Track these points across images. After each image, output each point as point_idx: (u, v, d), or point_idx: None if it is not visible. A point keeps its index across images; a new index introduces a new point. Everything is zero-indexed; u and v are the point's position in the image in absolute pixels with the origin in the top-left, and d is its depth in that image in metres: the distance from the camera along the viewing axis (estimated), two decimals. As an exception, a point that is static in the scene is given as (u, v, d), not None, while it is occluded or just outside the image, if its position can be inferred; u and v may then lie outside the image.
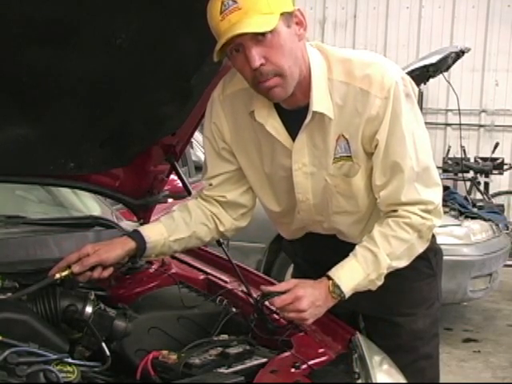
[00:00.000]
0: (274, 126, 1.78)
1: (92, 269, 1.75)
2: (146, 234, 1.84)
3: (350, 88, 1.70)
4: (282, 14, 1.59)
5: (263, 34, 1.58)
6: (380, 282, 1.77)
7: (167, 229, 1.89)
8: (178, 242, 1.91)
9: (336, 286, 1.72)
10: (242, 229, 2.03)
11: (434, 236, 2.02)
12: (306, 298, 1.67)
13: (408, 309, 1.97)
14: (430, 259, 1.98)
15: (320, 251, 1.96)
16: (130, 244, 1.81)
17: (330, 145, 1.76)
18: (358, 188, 1.80)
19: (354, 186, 1.80)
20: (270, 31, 1.57)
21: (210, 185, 1.95)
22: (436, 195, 1.79)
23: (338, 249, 1.84)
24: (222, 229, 1.96)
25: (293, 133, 1.78)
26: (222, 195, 1.94)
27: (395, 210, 1.76)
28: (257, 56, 1.59)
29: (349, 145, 1.75)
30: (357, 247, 1.76)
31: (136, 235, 1.84)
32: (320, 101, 1.70)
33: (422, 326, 1.97)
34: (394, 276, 1.89)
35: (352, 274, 1.74)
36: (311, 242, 1.99)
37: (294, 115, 1.75)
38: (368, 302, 1.93)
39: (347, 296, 1.73)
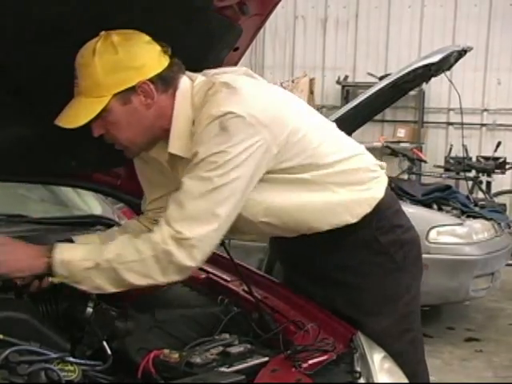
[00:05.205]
0: (166, 158, 1.84)
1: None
2: None
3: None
4: (116, 94, 1.68)
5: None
6: (98, 281, 1.66)
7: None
8: None
9: (51, 264, 1.66)
10: None
11: (401, 226, 1.97)
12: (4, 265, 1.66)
13: (374, 307, 1.92)
14: (391, 254, 1.93)
15: (297, 252, 1.98)
16: None
17: None
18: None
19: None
20: (104, 110, 1.68)
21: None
22: (192, 231, 1.63)
23: (309, 241, 1.88)
24: None
25: None
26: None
27: (157, 220, 1.75)
28: (95, 128, 1.74)
29: None
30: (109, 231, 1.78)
31: None
32: (175, 143, 1.76)
33: (387, 324, 1.91)
34: (357, 274, 1.91)
35: (73, 255, 1.68)
36: (288, 244, 2.00)
37: None
38: (339, 302, 1.91)
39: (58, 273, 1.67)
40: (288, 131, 1.75)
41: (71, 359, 1.47)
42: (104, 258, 1.66)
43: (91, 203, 2.85)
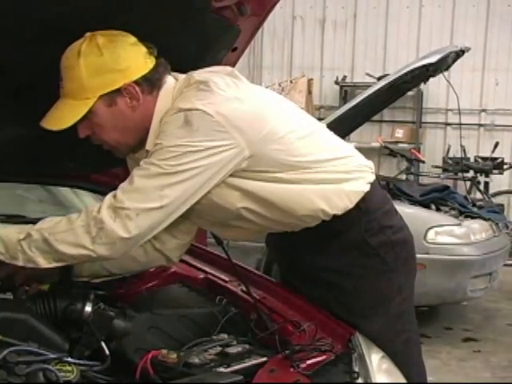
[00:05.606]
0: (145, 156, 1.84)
1: None
2: None
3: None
4: (101, 96, 1.70)
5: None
6: (30, 253, 1.68)
7: None
8: (111, 264, 1.90)
9: None
10: (187, 246, 2.03)
11: (391, 227, 1.95)
12: None
13: (367, 309, 1.90)
14: (381, 255, 1.91)
15: (291, 253, 1.98)
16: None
17: None
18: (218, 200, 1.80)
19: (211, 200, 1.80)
20: (90, 111, 1.70)
21: None
22: (132, 203, 1.66)
23: (300, 239, 1.88)
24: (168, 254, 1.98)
25: None
26: None
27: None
28: (81, 130, 1.76)
29: None
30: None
31: None
32: (152, 141, 1.75)
33: (380, 325, 1.89)
34: (349, 276, 1.89)
35: (9, 230, 1.74)
36: (282, 244, 2.00)
37: None
38: (332, 304, 1.90)
39: None
40: (265, 132, 1.74)
41: (69, 359, 1.47)
42: (36, 228, 1.70)
43: (89, 204, 2.85)
